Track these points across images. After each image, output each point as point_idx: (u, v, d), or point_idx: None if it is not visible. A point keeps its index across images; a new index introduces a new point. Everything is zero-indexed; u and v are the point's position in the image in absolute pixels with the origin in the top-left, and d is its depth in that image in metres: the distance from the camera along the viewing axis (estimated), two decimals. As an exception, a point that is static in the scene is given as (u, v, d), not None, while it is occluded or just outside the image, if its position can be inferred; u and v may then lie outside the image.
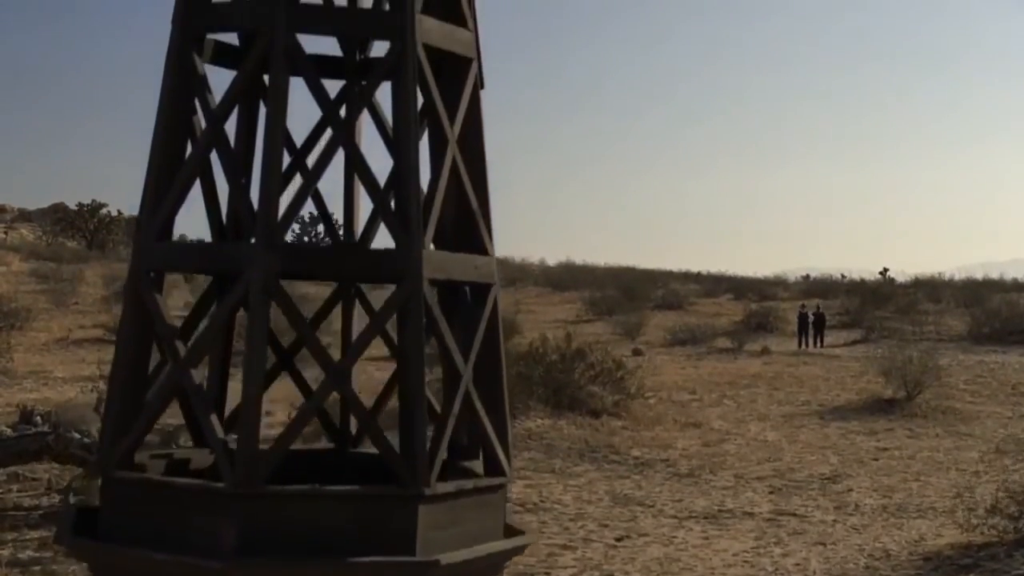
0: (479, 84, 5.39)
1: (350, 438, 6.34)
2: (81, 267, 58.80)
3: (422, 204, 5.08)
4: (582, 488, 16.60)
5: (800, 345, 35.50)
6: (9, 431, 16.24)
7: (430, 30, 5.27)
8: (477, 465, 5.45)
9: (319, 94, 5.23)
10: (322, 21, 5.39)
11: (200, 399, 5.14)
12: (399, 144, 5.12)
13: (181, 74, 5.25)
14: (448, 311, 5.43)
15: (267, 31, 4.97)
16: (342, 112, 5.76)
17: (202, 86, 5.27)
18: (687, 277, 78.24)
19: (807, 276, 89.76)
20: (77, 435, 13.75)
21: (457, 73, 5.41)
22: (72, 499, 13.35)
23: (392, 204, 5.18)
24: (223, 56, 5.72)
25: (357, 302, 6.28)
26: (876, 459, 19.47)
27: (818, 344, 35.78)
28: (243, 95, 5.56)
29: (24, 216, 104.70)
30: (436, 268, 5.15)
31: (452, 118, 5.26)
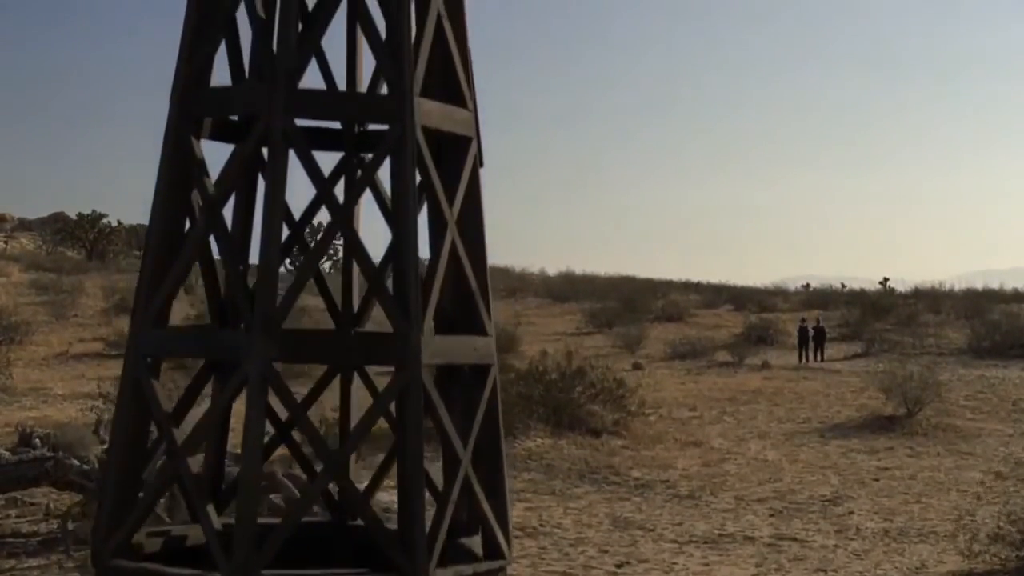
0: (479, 163, 5.38)
1: (347, 510, 6.29)
2: (81, 278, 58.76)
3: (421, 288, 5.06)
4: (582, 511, 16.57)
5: (800, 359, 35.43)
6: (8, 454, 16.19)
7: (429, 112, 5.27)
8: (476, 542, 5.41)
9: (317, 178, 5.22)
10: (321, 106, 5.42)
11: (197, 487, 5.12)
12: (399, 229, 5.12)
13: (179, 158, 5.24)
14: (447, 390, 5.41)
15: (266, 116, 4.97)
16: (340, 186, 5.74)
17: (200, 170, 5.27)
18: (687, 287, 78.20)
19: (807, 285, 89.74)
20: (76, 461, 13.72)
21: (456, 152, 5.40)
22: (71, 526, 13.32)
23: (390, 284, 5.17)
24: (222, 131, 5.70)
25: (356, 375, 6.26)
26: (877, 479, 19.43)
27: (818, 358, 35.71)
28: (242, 171, 5.55)
29: (24, 225, 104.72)
30: (435, 354, 5.14)
31: (451, 198, 5.26)
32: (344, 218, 5.26)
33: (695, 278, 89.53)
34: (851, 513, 16.78)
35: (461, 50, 5.38)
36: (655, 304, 54.80)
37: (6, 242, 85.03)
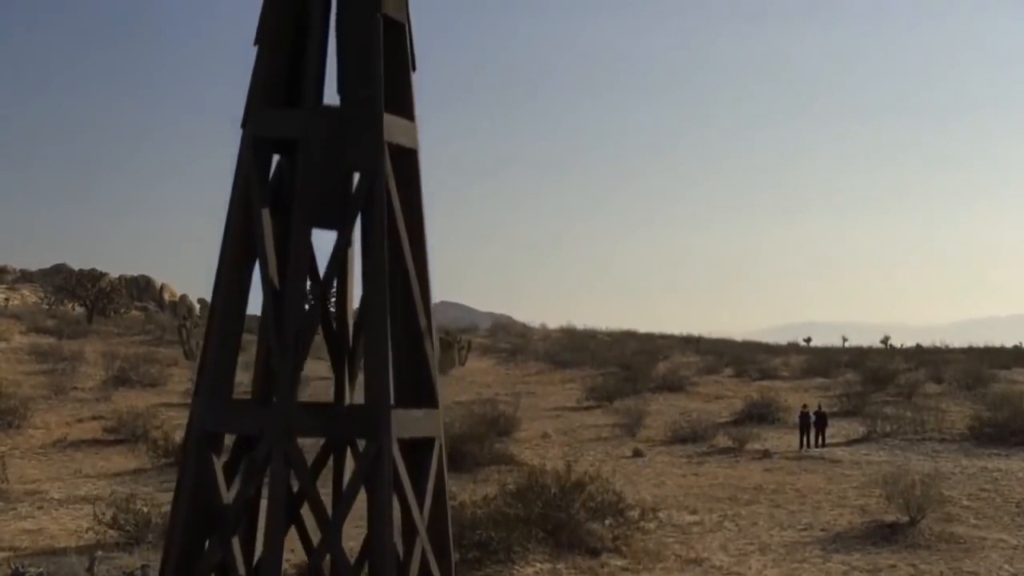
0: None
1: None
2: (81, 342, 58.71)
3: None
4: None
5: (801, 446, 35.22)
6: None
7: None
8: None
9: None
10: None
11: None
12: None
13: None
14: None
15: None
16: None
17: None
18: (687, 343, 78.21)
19: (808, 340, 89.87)
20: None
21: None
22: None
23: None
24: None
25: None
26: (879, 610, 19.20)
27: (819, 442, 35.52)
28: None
29: (26, 277, 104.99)
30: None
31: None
32: None
33: (696, 328, 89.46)
34: (853, 659, 16.55)
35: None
36: (655, 371, 54.74)
37: (7, 298, 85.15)
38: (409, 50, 7.13)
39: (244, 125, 7.09)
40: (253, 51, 7.04)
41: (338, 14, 6.92)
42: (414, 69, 7.21)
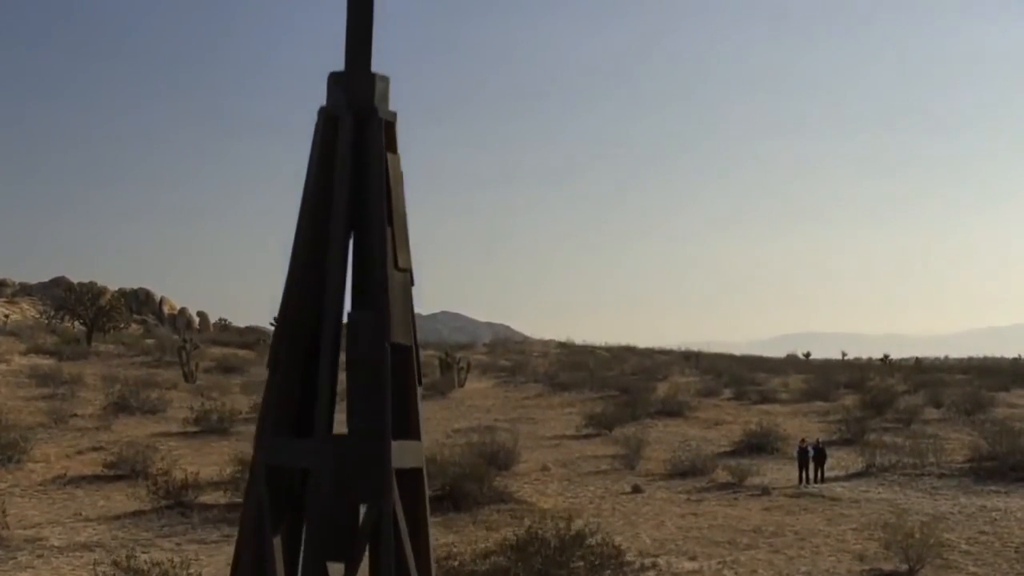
0: None
1: None
2: (81, 365, 58.76)
3: None
4: None
5: (801, 481, 35.24)
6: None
7: None
8: None
9: None
10: None
11: None
12: None
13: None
14: None
15: None
16: None
17: None
18: (686, 359, 78.40)
19: (808, 354, 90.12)
20: None
21: None
22: None
23: None
24: None
25: None
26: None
27: (819, 477, 35.55)
28: None
29: (25, 290, 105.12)
30: None
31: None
32: None
33: (696, 338, 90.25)
34: None
35: None
36: (655, 394, 54.85)
37: (7, 314, 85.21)
38: (416, 370, 7.22)
39: (256, 449, 7.12)
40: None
41: (347, 344, 7.01)
42: (420, 384, 7.27)
